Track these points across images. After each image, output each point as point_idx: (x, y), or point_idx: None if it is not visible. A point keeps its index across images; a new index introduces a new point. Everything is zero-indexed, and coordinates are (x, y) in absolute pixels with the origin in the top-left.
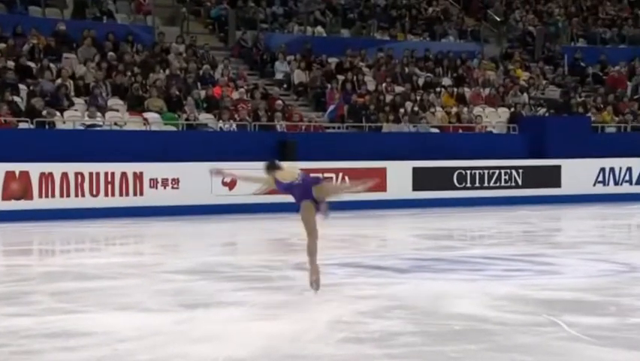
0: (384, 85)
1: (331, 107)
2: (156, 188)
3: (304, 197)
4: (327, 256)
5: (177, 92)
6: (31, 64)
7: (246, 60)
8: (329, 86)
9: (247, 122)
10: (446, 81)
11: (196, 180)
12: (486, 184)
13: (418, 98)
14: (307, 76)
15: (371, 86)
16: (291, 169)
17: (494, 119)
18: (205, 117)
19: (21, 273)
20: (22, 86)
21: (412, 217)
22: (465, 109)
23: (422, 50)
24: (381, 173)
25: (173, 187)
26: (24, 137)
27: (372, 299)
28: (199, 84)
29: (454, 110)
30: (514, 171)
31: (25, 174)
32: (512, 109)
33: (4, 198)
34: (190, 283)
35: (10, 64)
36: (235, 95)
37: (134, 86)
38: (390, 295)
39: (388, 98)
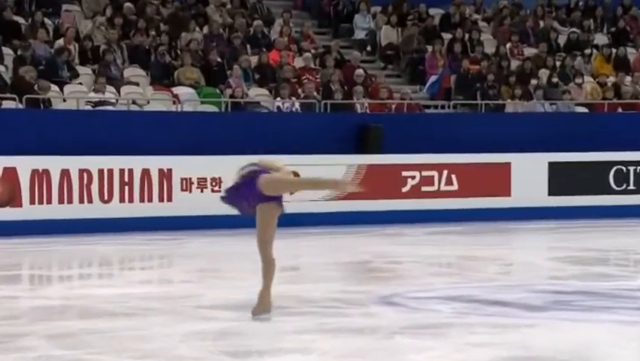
0: (508, 46)
1: (433, 79)
2: (190, 191)
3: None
4: (425, 286)
5: (219, 59)
6: (19, 19)
7: (313, 13)
8: (430, 48)
9: (315, 101)
10: (600, 39)
11: None
12: None
13: (558, 64)
14: (399, 35)
15: (490, 48)
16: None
17: None
18: (257, 93)
19: (7, 308)
20: (6, 51)
21: (548, 232)
22: (627, 79)
23: None
24: (503, 170)
25: (213, 190)
26: (10, 120)
27: (490, 347)
28: (249, 47)
29: (611, 80)
30: None
31: (10, 172)
32: None
33: None
34: (237, 322)
35: None
36: (298, 63)
37: (160, 51)
38: (515, 343)
39: (514, 64)
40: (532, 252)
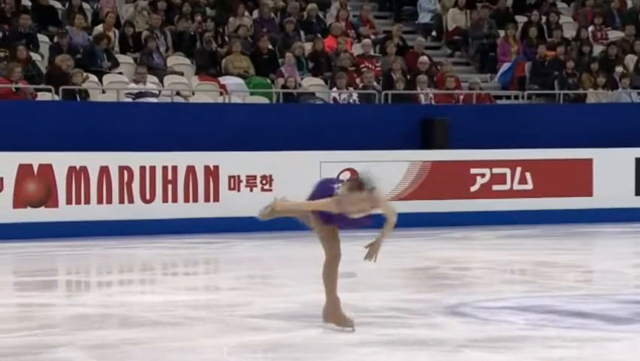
0: (590, 29)
1: (505, 67)
2: (238, 190)
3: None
4: (496, 294)
5: (270, 46)
6: (56, 3)
7: None
8: (502, 33)
9: (374, 91)
10: None
11: (299, 178)
12: None
13: None
14: (468, 18)
15: (569, 32)
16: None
17: None
18: (311, 83)
19: (42, 317)
20: (42, 38)
21: (634, 236)
22: None
23: None
24: (584, 167)
25: (263, 188)
26: (45, 113)
27: None
28: (302, 33)
29: None
30: None
31: (46, 169)
32: None
33: (16, 205)
34: (289, 333)
35: (26, 3)
36: (357, 50)
37: (206, 37)
38: (597, 359)
39: (597, 50)
40: (617, 258)
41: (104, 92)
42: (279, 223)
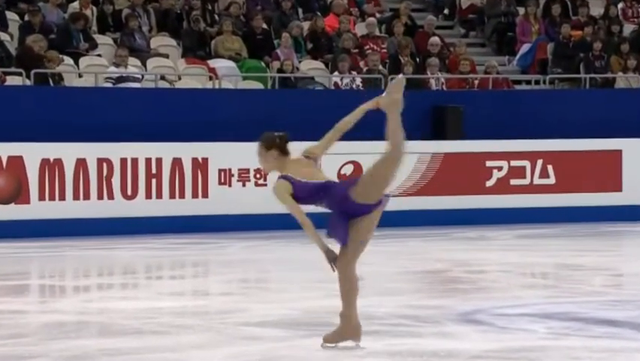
0: (620, 6)
1: (525, 49)
2: (229, 184)
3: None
4: (515, 300)
5: (264, 26)
6: None
7: None
8: (521, 11)
9: (380, 76)
10: None
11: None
12: None
13: None
14: None
15: (597, 10)
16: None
17: None
18: (310, 66)
19: (13, 325)
20: (11, 16)
21: None
22: None
23: None
24: (613, 159)
25: (257, 183)
26: (15, 99)
27: None
28: (300, 11)
29: None
30: None
31: (16, 162)
32: None
33: None
34: (286, 342)
35: None
36: (361, 30)
37: (194, 16)
38: None
39: (628, 29)
40: None
41: (80, 76)
42: (274, 222)
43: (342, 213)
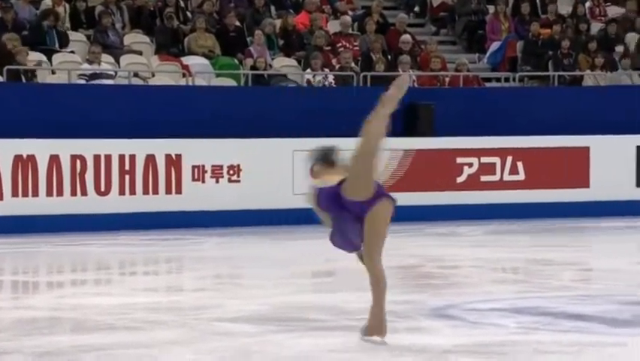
0: (588, 5)
1: (495, 46)
2: (203, 181)
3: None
4: (486, 295)
5: (237, 23)
6: None
7: None
8: (491, 9)
9: (352, 73)
10: None
11: (270, 168)
12: None
13: None
14: None
15: (564, 9)
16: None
17: None
18: (283, 64)
19: None
20: None
21: (636, 231)
22: None
23: None
24: (581, 156)
25: (230, 179)
26: None
27: None
28: (273, 9)
29: None
30: None
31: None
32: None
33: None
34: (260, 337)
35: None
36: (333, 27)
37: (167, 13)
38: None
39: (595, 27)
40: (616, 255)
41: (53, 72)
42: (248, 218)
43: (345, 216)
